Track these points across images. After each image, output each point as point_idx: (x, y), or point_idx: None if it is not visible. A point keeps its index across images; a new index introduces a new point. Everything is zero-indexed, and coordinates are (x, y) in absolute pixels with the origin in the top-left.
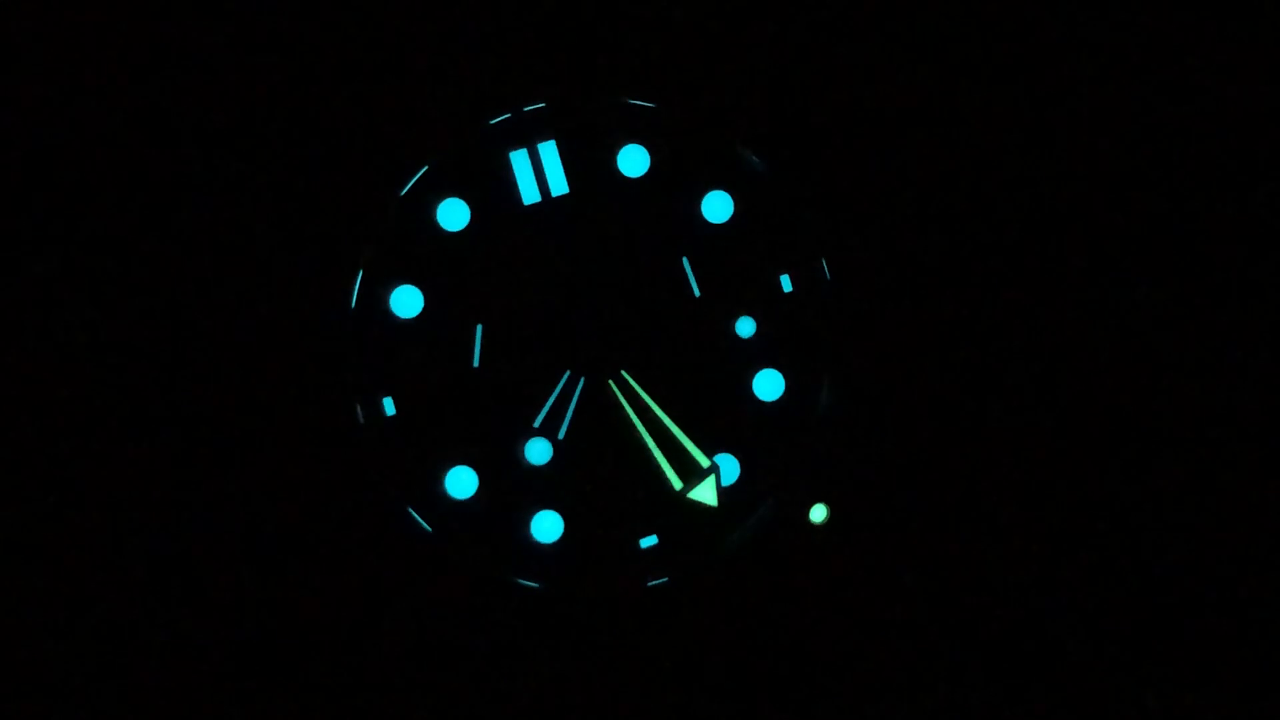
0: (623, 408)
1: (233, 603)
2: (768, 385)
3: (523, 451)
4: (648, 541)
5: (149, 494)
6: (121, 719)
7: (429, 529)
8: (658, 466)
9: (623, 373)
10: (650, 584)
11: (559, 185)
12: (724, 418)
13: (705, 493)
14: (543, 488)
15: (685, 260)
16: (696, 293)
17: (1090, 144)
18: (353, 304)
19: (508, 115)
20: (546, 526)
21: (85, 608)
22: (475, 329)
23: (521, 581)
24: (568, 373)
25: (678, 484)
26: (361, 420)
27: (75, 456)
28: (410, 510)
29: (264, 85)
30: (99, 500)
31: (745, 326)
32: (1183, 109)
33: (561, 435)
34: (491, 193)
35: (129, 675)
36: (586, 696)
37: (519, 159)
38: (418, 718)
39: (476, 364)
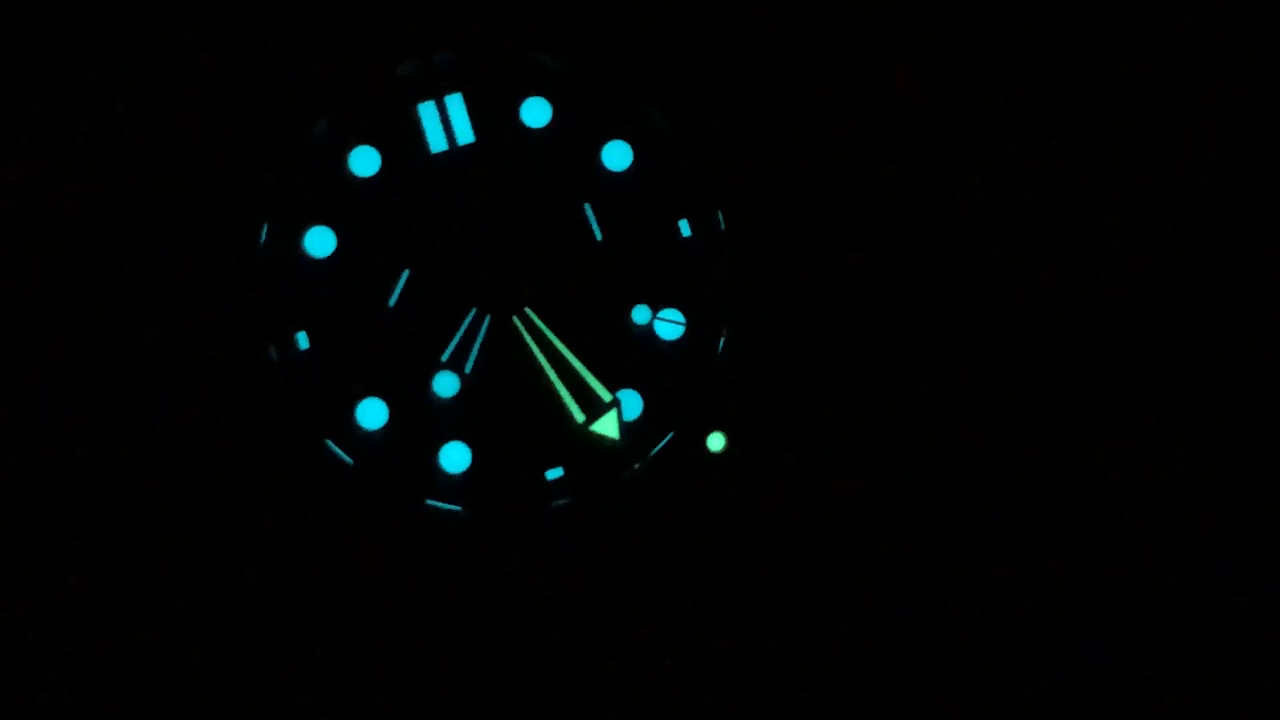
0: (526, 343)
1: (162, 542)
2: (668, 325)
3: (431, 384)
4: (554, 473)
5: (64, 437)
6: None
7: (349, 460)
8: (560, 400)
9: (527, 310)
10: (554, 505)
11: (465, 135)
12: (625, 355)
13: (607, 425)
14: (451, 420)
15: (587, 206)
16: (598, 236)
17: (993, 94)
18: (261, 243)
19: (417, 68)
20: (455, 457)
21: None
22: (391, 271)
23: (438, 504)
24: (474, 310)
25: (580, 416)
26: (275, 356)
27: None
28: (328, 442)
29: (183, 31)
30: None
31: (641, 314)
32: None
33: (468, 369)
34: (401, 141)
35: (58, 607)
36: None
37: (427, 110)
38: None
39: (393, 304)
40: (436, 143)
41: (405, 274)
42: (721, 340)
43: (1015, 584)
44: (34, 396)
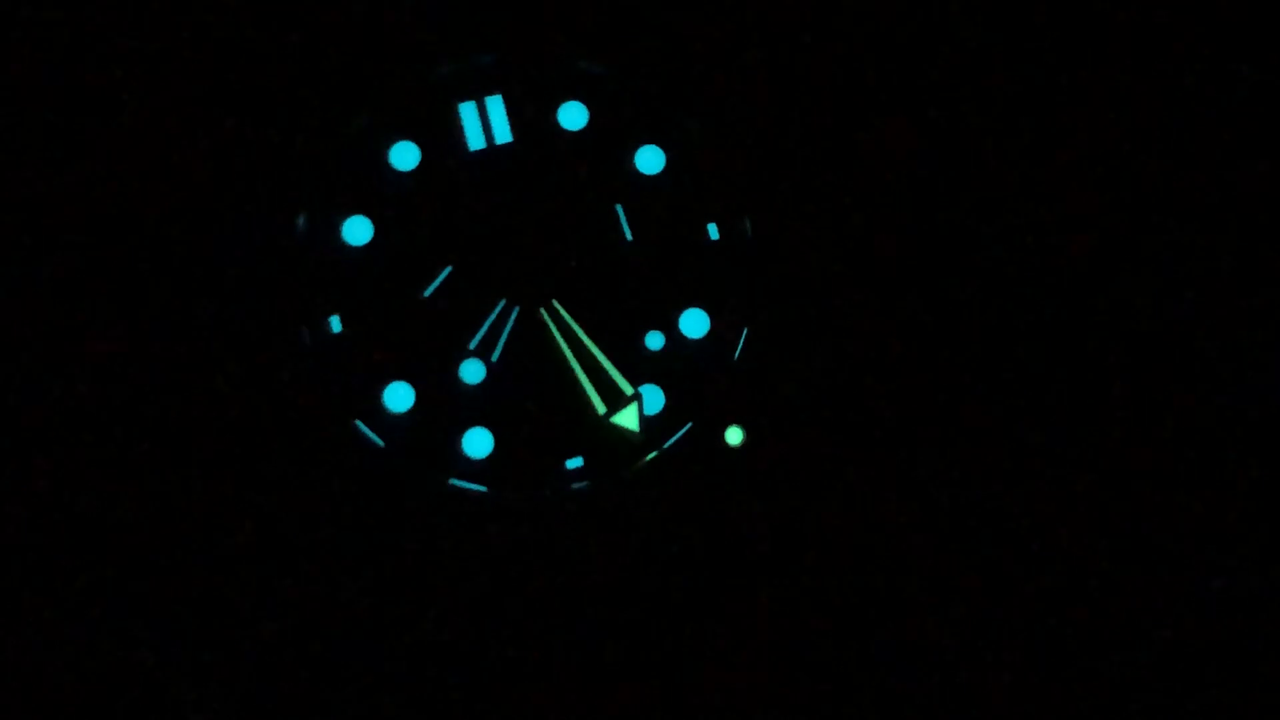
0: (552, 335)
1: (194, 519)
2: (693, 323)
3: (457, 371)
4: (574, 462)
5: (108, 412)
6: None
7: (380, 442)
8: (583, 391)
9: (554, 303)
10: (573, 486)
11: (503, 135)
12: (651, 352)
13: (628, 418)
14: (475, 406)
15: (619, 207)
16: (629, 236)
17: (1011, 109)
18: (299, 230)
19: (459, 70)
20: (478, 443)
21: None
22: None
23: (462, 484)
24: (503, 301)
25: (601, 408)
26: (308, 338)
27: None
28: (358, 423)
29: (235, 28)
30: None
31: (654, 340)
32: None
33: (495, 358)
34: (440, 138)
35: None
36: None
37: (467, 110)
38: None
39: (428, 295)
40: (475, 141)
41: (447, 270)
42: (742, 339)
43: (1025, 578)
44: (82, 374)
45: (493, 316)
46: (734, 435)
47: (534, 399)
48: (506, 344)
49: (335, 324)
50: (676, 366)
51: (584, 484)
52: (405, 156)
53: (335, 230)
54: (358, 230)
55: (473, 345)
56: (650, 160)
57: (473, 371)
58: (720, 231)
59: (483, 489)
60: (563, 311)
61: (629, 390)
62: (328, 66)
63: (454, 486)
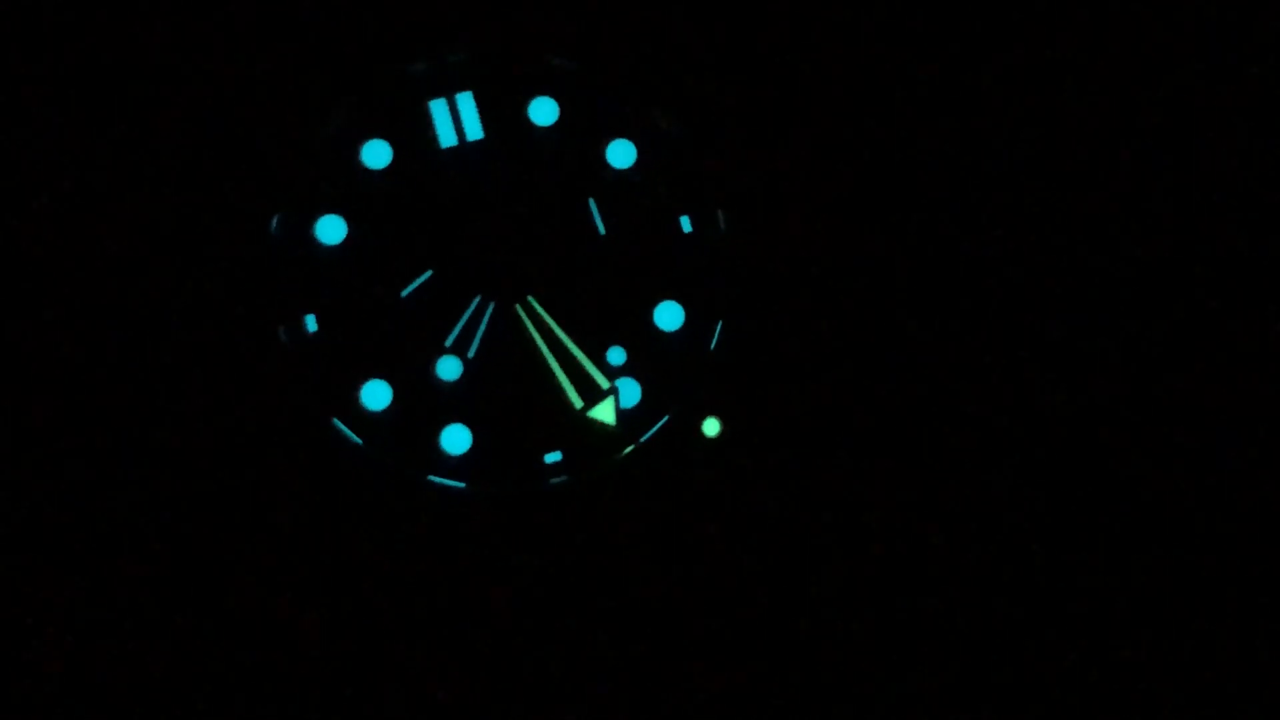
0: (528, 330)
1: (173, 519)
2: (668, 316)
3: (434, 368)
4: (552, 457)
5: (87, 413)
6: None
7: (358, 440)
8: (559, 386)
9: (529, 298)
10: (552, 481)
11: (474, 131)
12: (626, 345)
13: (604, 412)
14: (453, 403)
15: (591, 201)
16: (602, 231)
17: (982, 100)
18: (273, 230)
19: (429, 67)
20: (456, 439)
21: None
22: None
23: (441, 481)
24: (478, 297)
25: (578, 402)
26: (284, 338)
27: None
28: (336, 421)
29: (204, 29)
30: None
31: (616, 355)
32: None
33: (471, 355)
34: (412, 136)
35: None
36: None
37: (438, 107)
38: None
39: (404, 295)
40: (446, 138)
41: (427, 274)
42: (717, 331)
43: (1006, 568)
44: (61, 373)
45: (468, 313)
46: (711, 427)
47: (511, 394)
48: (483, 340)
49: (311, 323)
50: (652, 360)
51: (563, 478)
52: (377, 155)
53: (309, 230)
54: (331, 229)
55: (449, 342)
56: (621, 154)
57: (449, 368)
58: (693, 224)
59: (462, 485)
60: (538, 306)
61: (605, 384)
62: (299, 66)
63: (433, 483)
